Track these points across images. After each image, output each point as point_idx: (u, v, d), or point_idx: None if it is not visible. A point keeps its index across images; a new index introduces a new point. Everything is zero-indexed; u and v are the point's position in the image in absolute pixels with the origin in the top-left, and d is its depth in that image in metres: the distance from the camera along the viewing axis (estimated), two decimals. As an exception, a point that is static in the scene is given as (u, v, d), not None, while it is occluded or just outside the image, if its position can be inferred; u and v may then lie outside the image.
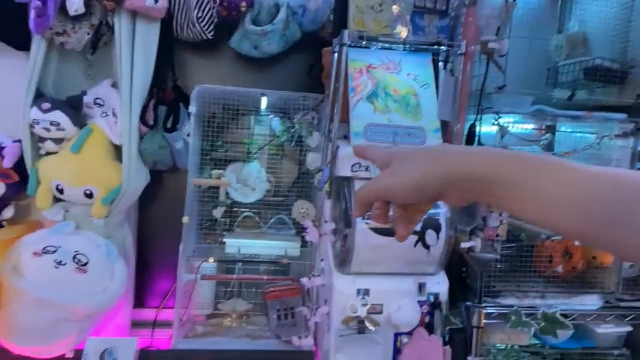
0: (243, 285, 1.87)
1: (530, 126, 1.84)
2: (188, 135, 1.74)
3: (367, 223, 1.42)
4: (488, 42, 1.56)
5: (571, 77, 1.73)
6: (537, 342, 1.65)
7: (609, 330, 1.62)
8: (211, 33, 1.76)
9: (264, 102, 1.84)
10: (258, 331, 1.79)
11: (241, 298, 1.87)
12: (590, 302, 1.62)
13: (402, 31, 1.67)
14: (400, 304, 1.45)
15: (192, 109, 1.69)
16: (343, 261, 1.48)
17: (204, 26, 1.73)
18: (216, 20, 1.73)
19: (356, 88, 1.57)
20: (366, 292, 1.45)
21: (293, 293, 1.70)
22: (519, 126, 1.71)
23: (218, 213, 1.79)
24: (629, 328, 1.63)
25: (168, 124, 1.76)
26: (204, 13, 1.71)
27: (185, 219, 1.67)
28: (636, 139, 1.64)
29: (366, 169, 1.48)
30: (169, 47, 1.82)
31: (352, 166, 1.48)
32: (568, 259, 1.66)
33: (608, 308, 1.62)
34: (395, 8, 1.65)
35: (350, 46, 1.53)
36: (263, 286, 1.76)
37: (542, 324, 1.54)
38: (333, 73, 1.57)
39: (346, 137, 1.58)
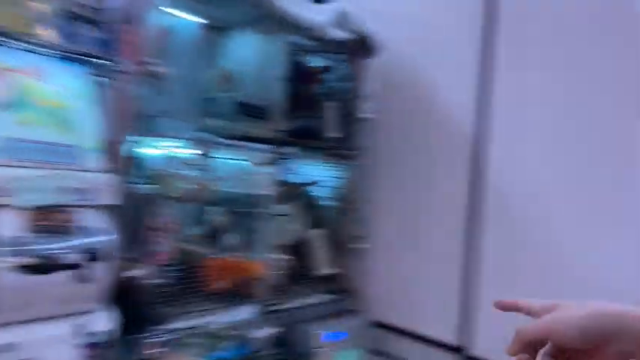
0: None
1: (188, 151, 1.91)
2: None
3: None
4: (148, 64, 1.53)
5: (224, 110, 1.90)
6: (204, 360, 1.69)
7: (263, 334, 1.82)
8: None
9: None
10: None
11: None
12: (247, 312, 1.78)
13: (47, 34, 1.45)
14: (55, 354, 1.21)
15: None
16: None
17: None
18: None
19: (-13, 93, 1.26)
20: (13, 346, 1.15)
21: None
22: (179, 151, 1.75)
23: None
24: (279, 329, 1.87)
25: None
26: None
27: None
28: (276, 167, 1.94)
29: (8, 196, 1.18)
30: None
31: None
32: (227, 275, 1.78)
33: (262, 315, 1.81)
34: (38, 6, 1.42)
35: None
36: None
37: (206, 341, 1.58)
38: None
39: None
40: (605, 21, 1.75)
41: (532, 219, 1.88)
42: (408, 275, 2.28)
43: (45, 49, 1.39)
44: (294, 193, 2.21)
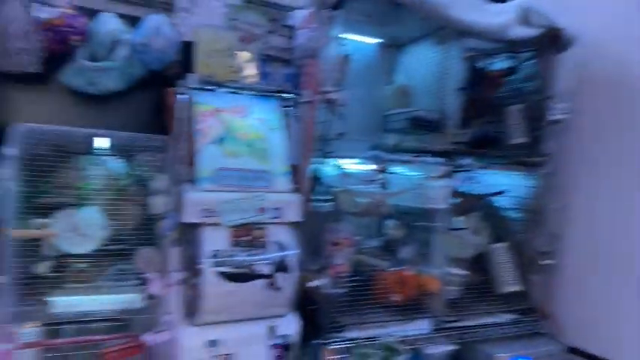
0: (77, 348, 1.65)
1: (367, 167, 2.01)
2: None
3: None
4: (328, 93, 1.67)
5: (398, 125, 1.95)
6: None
7: (438, 350, 1.82)
8: (37, 66, 1.58)
9: (101, 142, 1.69)
10: (96, 398, 1.60)
11: (73, 363, 1.65)
12: (422, 326, 1.80)
13: (251, 76, 1.70)
14: (250, 352, 1.44)
15: (10, 150, 1.48)
16: (192, 312, 1.42)
17: (26, 58, 1.54)
18: (40, 53, 1.56)
19: (203, 131, 1.54)
20: (216, 342, 1.41)
21: (135, 351, 1.56)
22: (358, 167, 1.86)
23: (43, 268, 1.57)
24: (455, 347, 1.85)
25: (-21, 168, 1.51)
26: (26, 43, 1.53)
27: (2, 278, 1.44)
28: (453, 179, 1.90)
29: (217, 216, 1.44)
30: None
31: (201, 212, 1.44)
32: (403, 288, 1.82)
33: (436, 330, 1.82)
34: (244, 55, 1.68)
35: (196, 89, 1.51)
36: (101, 346, 1.58)
37: (383, 353, 1.65)
38: (179, 116, 1.52)
39: (192, 181, 1.54)
40: None
41: None
42: (603, 297, 1.99)
43: (247, 90, 1.64)
44: (474, 204, 2.14)
